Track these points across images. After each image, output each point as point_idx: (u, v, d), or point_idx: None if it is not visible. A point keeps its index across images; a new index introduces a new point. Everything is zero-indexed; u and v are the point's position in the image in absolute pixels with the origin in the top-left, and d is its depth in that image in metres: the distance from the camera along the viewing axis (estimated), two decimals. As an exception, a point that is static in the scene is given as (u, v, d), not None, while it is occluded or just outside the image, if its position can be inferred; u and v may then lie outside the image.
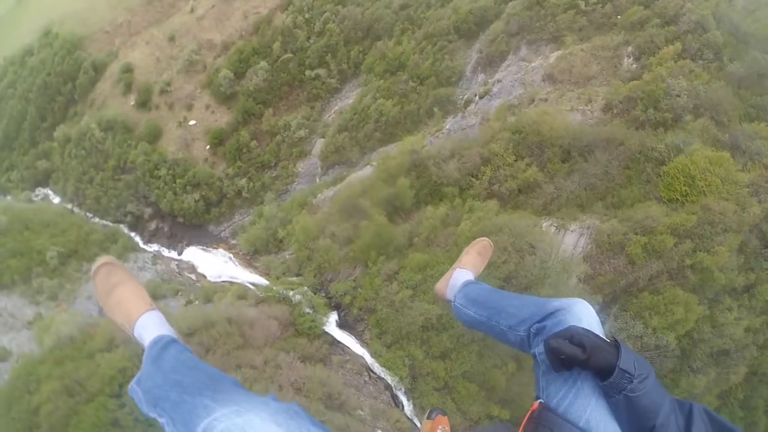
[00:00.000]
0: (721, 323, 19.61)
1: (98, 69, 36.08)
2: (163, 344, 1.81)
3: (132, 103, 33.56)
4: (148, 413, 1.62)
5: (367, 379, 22.44)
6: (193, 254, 30.17)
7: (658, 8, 25.74)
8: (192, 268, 29.43)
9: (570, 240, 21.22)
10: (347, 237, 25.25)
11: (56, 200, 34.55)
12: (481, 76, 29.62)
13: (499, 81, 28.27)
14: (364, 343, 23.37)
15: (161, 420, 1.54)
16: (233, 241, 30.49)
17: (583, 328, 1.72)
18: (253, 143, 30.95)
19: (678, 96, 21.93)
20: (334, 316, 24.35)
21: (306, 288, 24.69)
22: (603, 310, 19.84)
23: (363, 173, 27.48)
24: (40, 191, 36.07)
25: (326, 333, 23.40)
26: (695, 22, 23.86)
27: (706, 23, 23.63)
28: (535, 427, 1.66)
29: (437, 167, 24.86)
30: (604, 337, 1.72)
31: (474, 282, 2.72)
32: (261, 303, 23.92)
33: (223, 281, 27.98)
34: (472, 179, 24.13)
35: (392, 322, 21.92)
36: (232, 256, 29.36)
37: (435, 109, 29.75)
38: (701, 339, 19.44)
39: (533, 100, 26.75)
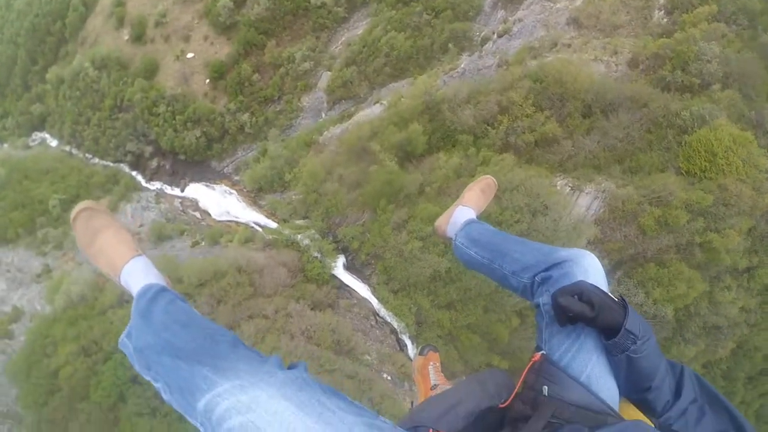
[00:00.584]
0: (718, 301, 20.07)
1: (88, 5, 33.62)
2: (151, 295, 1.63)
3: (126, 37, 31.29)
4: (141, 374, 1.50)
5: (373, 323, 23.07)
6: (196, 191, 29.71)
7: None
8: (196, 206, 29.10)
9: (584, 202, 20.96)
10: (355, 181, 24.78)
11: (54, 143, 33.49)
12: (501, 13, 27.68)
13: (520, 20, 26.47)
14: (371, 287, 23.75)
15: (156, 385, 1.44)
16: (236, 178, 29.90)
17: (592, 285, 1.67)
18: (256, 76, 29.26)
19: (709, 62, 20.80)
20: (341, 260, 24.52)
21: (313, 231, 24.61)
22: (607, 274, 20.07)
23: (372, 111, 26.40)
24: (37, 135, 34.91)
25: (334, 277, 23.69)
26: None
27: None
28: (535, 378, 1.66)
29: (452, 112, 23.90)
30: (611, 295, 1.68)
31: (476, 221, 2.58)
32: (268, 246, 23.95)
33: (228, 220, 27.81)
34: (488, 128, 23.32)
35: (400, 270, 22.13)
36: (235, 192, 28.95)
37: (450, 45, 28.06)
38: (697, 313, 19.98)
39: (555, 45, 25.26)
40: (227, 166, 30.34)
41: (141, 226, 27.80)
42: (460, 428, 1.61)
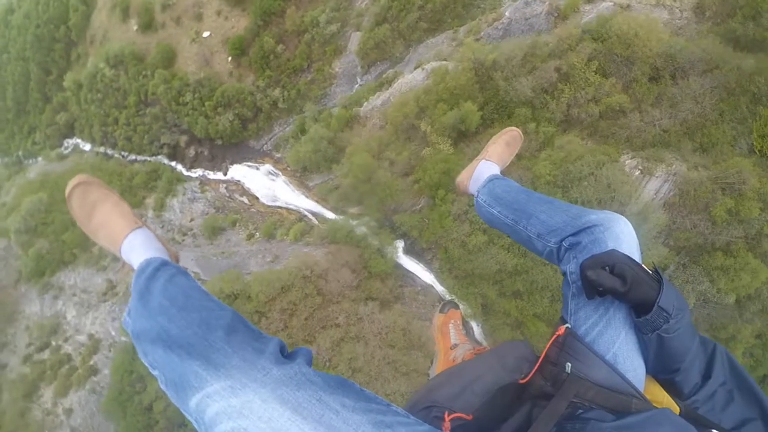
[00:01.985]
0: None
1: (88, 2, 30.81)
2: (150, 272, 1.57)
3: (135, 28, 28.61)
4: (141, 358, 1.49)
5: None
6: (239, 172, 29.05)
7: None
8: (242, 190, 28.63)
9: (653, 186, 19.55)
10: (408, 164, 23.65)
11: (87, 147, 32.54)
12: None
13: None
14: (433, 272, 23.70)
15: (154, 372, 1.43)
16: (278, 155, 28.93)
17: (624, 256, 1.55)
18: (280, 47, 26.76)
19: None
20: (401, 244, 24.27)
21: (369, 218, 24.15)
22: (672, 258, 19.44)
23: (414, 78, 24.19)
24: (69, 143, 33.89)
25: (398, 265, 23.62)
26: None
27: None
28: (558, 352, 1.59)
29: (506, 82, 21.80)
30: (646, 268, 1.58)
31: (500, 177, 2.42)
32: (325, 241, 23.76)
33: (279, 206, 27.41)
34: (548, 98, 21.31)
35: (464, 263, 21.87)
36: (281, 174, 28.16)
37: (492, -10, 24.91)
38: (758, 296, 19.21)
39: (614, -17, 22.08)
40: (266, 143, 29.26)
41: (192, 220, 27.81)
42: (477, 406, 1.54)
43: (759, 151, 18.58)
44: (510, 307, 21.63)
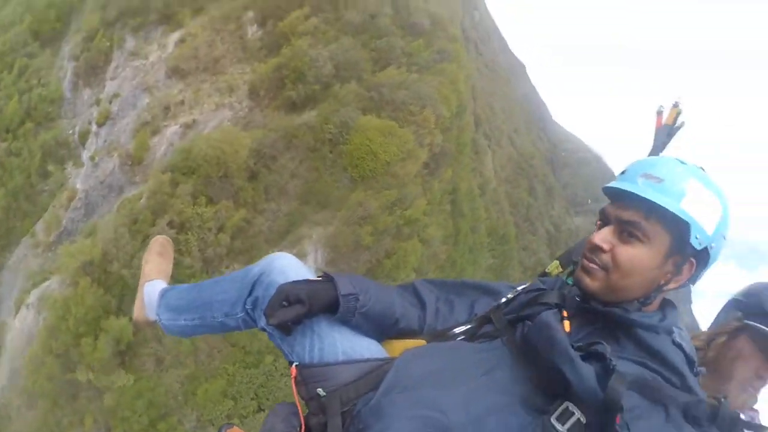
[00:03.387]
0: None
1: None
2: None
3: None
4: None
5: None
6: None
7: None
8: None
9: (311, 258, 20.41)
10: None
11: None
12: (86, 93, 21.51)
13: (116, 95, 21.10)
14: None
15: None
16: None
17: (289, 283, 1.67)
18: None
19: (323, 66, 20.31)
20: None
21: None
22: None
23: (28, 326, 19.05)
24: None
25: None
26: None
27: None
28: (306, 388, 1.65)
29: (129, 269, 19.24)
30: (316, 278, 1.75)
31: (169, 288, 2.40)
32: None
33: None
34: (178, 257, 19.72)
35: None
36: None
37: (49, 168, 21.33)
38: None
39: (168, 108, 21.24)
40: None
41: None
42: None
43: (360, 177, 20.13)
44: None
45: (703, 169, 1.43)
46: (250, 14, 21.16)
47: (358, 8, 21.63)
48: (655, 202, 1.35)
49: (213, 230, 19.93)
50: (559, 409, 1.21)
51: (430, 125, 19.92)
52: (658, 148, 2.08)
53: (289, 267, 1.81)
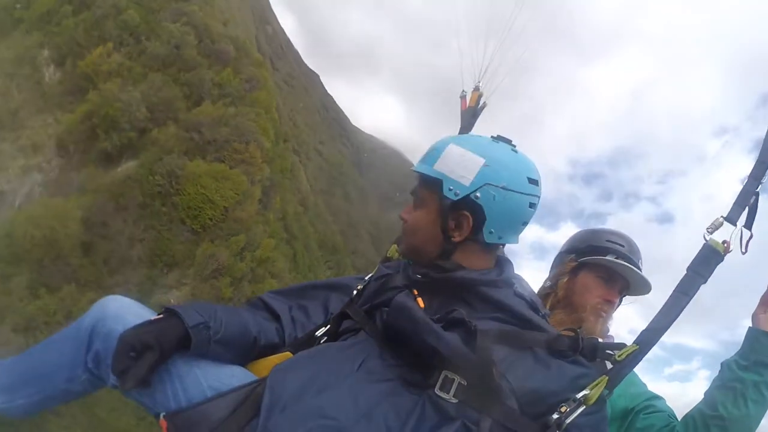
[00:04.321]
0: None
1: None
2: None
3: None
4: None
5: None
6: None
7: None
8: None
9: None
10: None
11: None
12: None
13: None
14: None
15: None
16: None
17: (132, 329, 1.45)
18: None
19: (136, 109, 19.89)
20: None
21: None
22: None
23: None
24: None
25: None
26: (111, 4, 19.21)
27: (119, 2, 19.39)
28: None
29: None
30: (157, 316, 1.55)
31: None
32: None
33: None
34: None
35: None
36: None
37: None
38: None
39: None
40: None
41: None
42: None
43: (202, 228, 19.86)
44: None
45: (503, 141, 1.50)
46: (46, 53, 19.69)
47: (162, 39, 20.97)
48: (417, 171, 1.51)
49: (63, 323, 18.91)
50: (440, 380, 1.28)
51: (257, 161, 20.24)
52: (465, 129, 2.20)
53: (124, 310, 1.61)
